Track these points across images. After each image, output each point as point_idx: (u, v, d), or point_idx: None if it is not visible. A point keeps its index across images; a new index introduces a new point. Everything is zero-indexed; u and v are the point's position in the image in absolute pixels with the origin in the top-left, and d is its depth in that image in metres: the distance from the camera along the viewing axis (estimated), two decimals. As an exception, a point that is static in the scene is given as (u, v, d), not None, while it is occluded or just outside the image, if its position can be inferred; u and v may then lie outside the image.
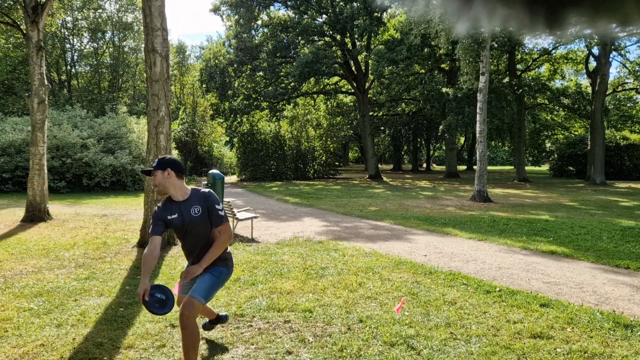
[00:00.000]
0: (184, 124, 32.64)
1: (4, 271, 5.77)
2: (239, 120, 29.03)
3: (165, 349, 3.51)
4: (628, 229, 9.11)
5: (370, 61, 26.61)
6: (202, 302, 3.00)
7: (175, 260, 6.44)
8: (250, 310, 4.32)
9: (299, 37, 26.86)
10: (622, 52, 25.99)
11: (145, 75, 7.96)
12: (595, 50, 25.24)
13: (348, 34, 27.87)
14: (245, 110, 27.92)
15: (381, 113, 35.75)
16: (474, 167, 27.89)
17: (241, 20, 27.39)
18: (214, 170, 7.55)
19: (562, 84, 33.54)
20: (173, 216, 3.04)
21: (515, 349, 3.47)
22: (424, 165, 46.09)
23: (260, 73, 27.51)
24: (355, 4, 26.01)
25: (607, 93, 25.29)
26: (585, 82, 32.45)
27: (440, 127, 25.20)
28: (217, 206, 3.06)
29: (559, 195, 17.10)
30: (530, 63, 29.95)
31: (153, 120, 7.32)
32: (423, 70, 27.50)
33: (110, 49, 30.67)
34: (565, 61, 31.13)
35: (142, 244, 7.24)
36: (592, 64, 27.12)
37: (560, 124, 34.80)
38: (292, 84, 27.20)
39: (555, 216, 11.13)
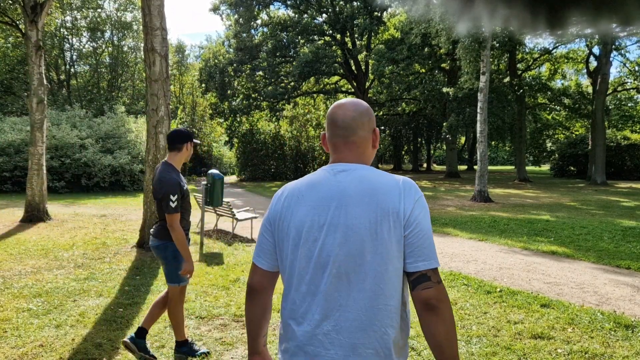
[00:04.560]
0: (183, 123, 32.65)
1: (3, 271, 5.76)
2: (238, 120, 29.03)
3: (164, 350, 3.50)
4: (629, 229, 9.09)
5: (370, 61, 26.61)
6: None
7: (175, 261, 6.43)
8: (250, 311, 4.31)
9: (299, 37, 26.85)
10: (623, 51, 25.99)
11: (144, 74, 7.95)
12: (596, 50, 25.23)
13: (348, 34, 27.86)
14: (244, 110, 27.92)
15: (381, 113, 35.74)
16: (475, 167, 27.90)
17: (241, 19, 27.38)
18: (214, 170, 7.52)
19: (562, 84, 33.55)
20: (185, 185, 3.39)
21: (516, 350, 3.46)
22: (424, 165, 46.09)
23: (260, 73, 27.51)
24: (355, 3, 26.01)
25: (607, 93, 25.27)
26: (585, 81, 32.47)
27: (443, 128, 25.18)
28: None
29: (559, 196, 17.08)
30: (530, 63, 29.94)
31: (152, 120, 7.31)
32: (423, 70, 27.50)
33: (110, 49, 30.64)
34: (566, 61, 31.14)
35: (141, 244, 7.22)
36: (593, 63, 27.12)
37: (561, 124, 34.80)
38: (292, 83, 27.20)
39: (556, 216, 11.12)
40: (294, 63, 25.31)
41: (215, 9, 28.15)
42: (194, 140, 3.45)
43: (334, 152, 1.42)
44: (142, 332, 3.35)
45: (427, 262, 1.26)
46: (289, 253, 1.35)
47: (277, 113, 29.53)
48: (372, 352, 1.26)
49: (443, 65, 27.19)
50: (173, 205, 3.14)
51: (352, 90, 29.98)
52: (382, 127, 39.30)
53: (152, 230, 3.38)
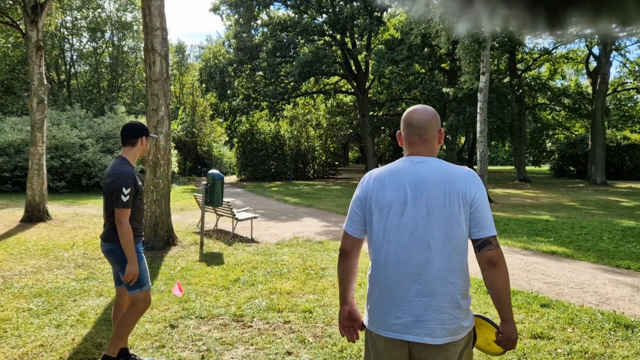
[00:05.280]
0: (184, 123, 32.65)
1: (3, 271, 5.76)
2: (238, 120, 29.04)
3: (164, 350, 3.50)
4: (629, 229, 9.09)
5: (370, 61, 26.61)
6: None
7: (175, 261, 6.43)
8: (250, 311, 4.31)
9: (299, 37, 26.86)
10: (622, 52, 25.98)
11: (144, 74, 7.96)
12: (596, 50, 25.24)
13: (348, 34, 27.87)
14: (244, 110, 27.92)
15: (381, 113, 35.74)
16: (475, 167, 27.88)
17: (241, 19, 27.40)
18: (214, 170, 7.54)
19: (562, 84, 33.53)
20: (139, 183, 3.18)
21: (516, 350, 3.46)
22: (424, 165, 46.06)
23: (260, 73, 27.52)
24: (355, 4, 26.01)
25: (607, 93, 25.27)
26: (585, 81, 32.47)
27: (442, 128, 25.16)
28: None
29: (559, 196, 17.08)
30: (530, 63, 29.93)
31: (152, 120, 7.31)
32: (423, 70, 27.49)
33: (110, 49, 30.65)
34: (566, 61, 31.13)
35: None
36: (593, 63, 27.12)
37: (560, 124, 34.80)
38: (292, 83, 27.20)
39: (556, 216, 11.12)
40: (294, 63, 25.31)
41: (215, 9, 28.16)
42: (151, 135, 3.27)
43: (409, 147, 1.85)
44: (122, 354, 3.17)
45: (488, 230, 1.69)
46: (378, 224, 1.75)
47: (277, 113, 29.52)
48: (446, 297, 1.67)
49: (443, 65, 27.17)
50: (124, 199, 2.92)
51: (352, 90, 29.98)
52: (382, 127, 39.33)
53: (101, 234, 3.14)
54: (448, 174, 1.71)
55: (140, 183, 3.15)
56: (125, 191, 2.92)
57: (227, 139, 32.97)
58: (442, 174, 1.71)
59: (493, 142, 35.82)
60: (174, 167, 22.45)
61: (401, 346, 1.70)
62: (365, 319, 1.83)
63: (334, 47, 27.28)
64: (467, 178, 1.71)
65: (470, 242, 1.75)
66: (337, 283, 1.89)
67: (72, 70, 30.34)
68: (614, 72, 49.27)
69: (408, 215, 1.69)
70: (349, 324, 1.90)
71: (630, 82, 29.24)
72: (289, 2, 27.84)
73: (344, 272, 1.90)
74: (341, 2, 26.84)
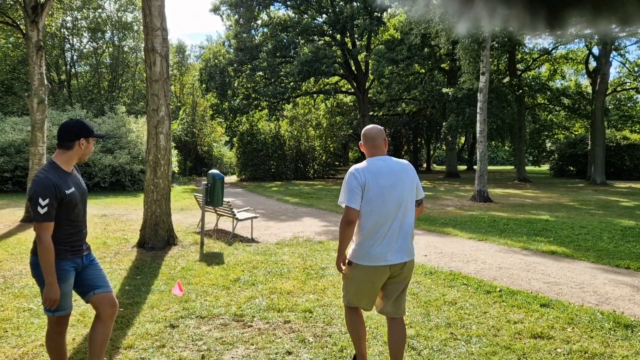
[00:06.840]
0: (184, 123, 32.67)
1: (3, 271, 5.77)
2: (238, 120, 29.04)
3: (165, 349, 3.50)
4: (628, 229, 9.10)
5: (370, 61, 26.63)
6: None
7: (175, 260, 6.43)
8: (250, 311, 4.32)
9: (299, 37, 26.88)
10: (622, 52, 25.99)
11: (144, 75, 7.96)
12: (596, 50, 25.24)
13: (348, 34, 27.89)
14: (244, 110, 27.93)
15: (381, 113, 35.78)
16: (474, 167, 27.88)
17: (241, 20, 27.43)
18: (214, 170, 7.55)
19: (562, 84, 33.53)
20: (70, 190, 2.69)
21: (516, 349, 3.47)
22: (424, 165, 46.07)
23: (260, 73, 27.54)
24: (355, 4, 26.03)
25: (607, 93, 25.26)
26: (585, 82, 32.48)
27: (442, 129, 25.16)
28: None
29: (559, 195, 17.09)
30: (530, 63, 29.94)
31: (153, 120, 7.31)
32: (423, 70, 27.51)
33: (110, 49, 30.67)
34: (566, 61, 31.13)
35: (141, 244, 7.24)
36: (592, 63, 27.12)
37: (560, 124, 34.80)
38: (292, 83, 27.21)
39: (556, 216, 11.13)
40: (294, 63, 25.32)
41: (215, 10, 28.18)
42: (96, 134, 2.74)
43: (371, 150, 2.90)
44: None
45: (422, 195, 2.94)
46: (377, 199, 2.74)
47: (277, 113, 29.53)
48: (410, 235, 2.85)
49: (443, 65, 27.19)
50: (41, 211, 2.47)
51: (352, 90, 29.99)
52: (382, 127, 39.39)
53: None
54: (402, 164, 2.84)
55: (70, 192, 2.63)
56: (42, 202, 2.48)
57: (227, 139, 32.96)
58: (400, 165, 2.83)
59: (493, 142, 35.82)
60: (174, 167, 22.45)
61: (387, 269, 2.78)
62: (360, 260, 2.79)
63: (334, 47, 27.29)
64: (411, 166, 2.87)
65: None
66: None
67: (73, 70, 30.36)
68: (614, 72, 49.28)
69: (393, 192, 2.75)
70: (342, 264, 2.89)
71: (630, 82, 29.24)
72: (289, 2, 27.86)
73: (348, 235, 2.80)
74: (341, 2, 26.85)
